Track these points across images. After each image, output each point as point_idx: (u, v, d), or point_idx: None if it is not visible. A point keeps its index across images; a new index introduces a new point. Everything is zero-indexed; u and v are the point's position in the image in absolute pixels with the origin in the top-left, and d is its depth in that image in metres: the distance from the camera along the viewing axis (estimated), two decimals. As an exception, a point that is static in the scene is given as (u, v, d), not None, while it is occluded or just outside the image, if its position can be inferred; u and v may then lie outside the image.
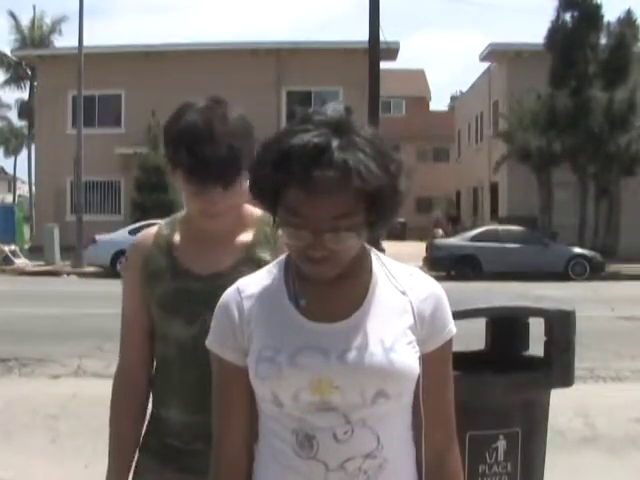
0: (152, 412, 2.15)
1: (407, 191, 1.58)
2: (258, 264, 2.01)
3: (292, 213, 1.51)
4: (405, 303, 1.62)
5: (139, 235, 2.19)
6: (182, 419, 2.05)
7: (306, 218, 1.50)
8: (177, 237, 2.11)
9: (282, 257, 1.71)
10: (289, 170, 1.47)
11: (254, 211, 2.13)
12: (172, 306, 2.04)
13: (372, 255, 1.67)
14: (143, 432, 2.16)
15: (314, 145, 1.46)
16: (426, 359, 1.61)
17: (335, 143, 1.47)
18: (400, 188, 1.55)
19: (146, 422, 2.17)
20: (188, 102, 2.02)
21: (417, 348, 1.60)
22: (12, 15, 49.40)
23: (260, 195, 1.57)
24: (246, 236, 2.09)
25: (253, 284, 1.68)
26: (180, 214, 2.17)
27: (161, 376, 2.11)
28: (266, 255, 2.05)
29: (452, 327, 1.66)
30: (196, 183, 1.95)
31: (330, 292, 1.61)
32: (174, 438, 2.07)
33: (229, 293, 1.69)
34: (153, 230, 2.15)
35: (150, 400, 2.16)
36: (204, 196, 1.97)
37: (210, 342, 1.69)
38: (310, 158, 1.46)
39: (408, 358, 1.58)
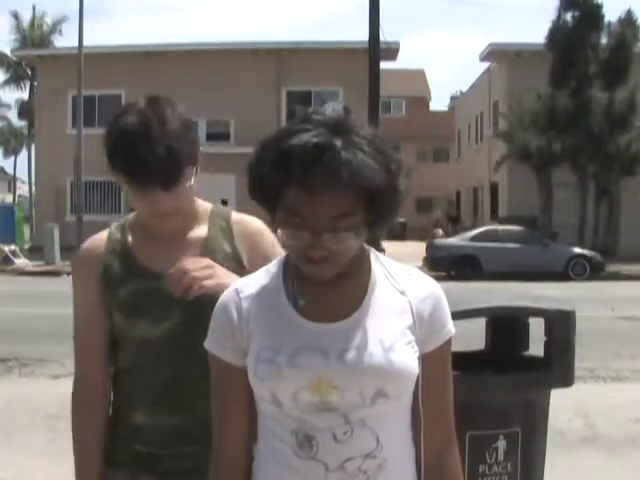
0: (115, 420, 2.09)
1: (407, 191, 1.58)
2: (217, 256, 2.02)
3: (291, 213, 1.51)
4: (404, 303, 1.62)
5: (87, 242, 2.13)
6: (156, 422, 2.01)
7: (305, 218, 1.50)
8: (131, 239, 2.08)
9: (281, 257, 1.71)
10: (289, 170, 1.47)
11: (206, 205, 2.13)
12: (136, 308, 2.01)
13: (371, 255, 1.67)
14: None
15: (314, 145, 1.46)
16: (425, 359, 1.61)
17: (335, 143, 1.47)
18: (400, 188, 1.55)
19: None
20: (128, 103, 1.99)
21: (416, 348, 1.60)
22: (14, 16, 49.48)
23: (258, 195, 1.57)
24: (201, 230, 2.08)
25: (252, 284, 1.68)
26: (130, 216, 2.14)
27: (128, 381, 2.06)
28: (224, 246, 2.06)
29: (451, 327, 1.66)
30: (136, 185, 1.93)
31: (329, 292, 1.61)
32: (145, 444, 2.02)
33: (228, 294, 1.68)
34: (103, 235, 2.11)
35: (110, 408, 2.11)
36: (147, 197, 1.95)
37: (209, 343, 1.68)
38: (310, 158, 1.45)
39: (407, 358, 1.58)
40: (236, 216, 2.14)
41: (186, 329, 1.99)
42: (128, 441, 2.05)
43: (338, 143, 1.47)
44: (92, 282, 2.05)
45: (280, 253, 2.02)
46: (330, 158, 1.45)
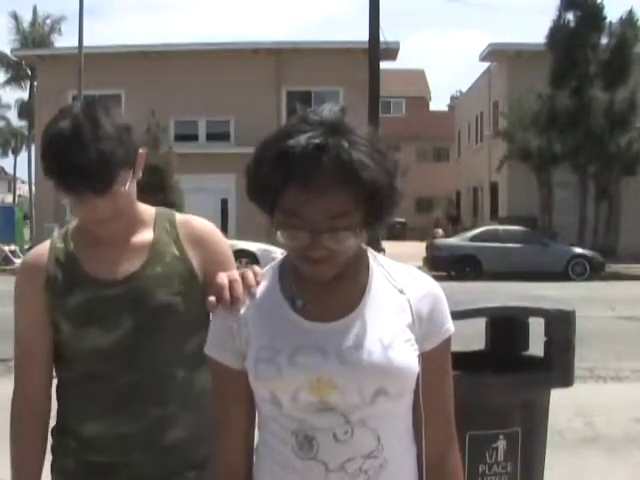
0: (63, 433, 2.05)
1: (403, 190, 1.58)
2: (165, 259, 2.00)
3: (290, 214, 1.51)
4: (403, 301, 1.62)
5: (29, 254, 2.09)
6: (111, 432, 1.97)
7: (304, 218, 1.50)
8: (74, 247, 2.04)
9: (279, 258, 1.71)
10: (288, 171, 1.47)
11: (148, 209, 2.09)
12: (86, 317, 1.97)
13: (369, 255, 1.67)
14: (53, 456, 2.06)
15: (312, 145, 1.46)
16: (425, 358, 1.61)
17: (333, 143, 1.47)
18: (397, 187, 1.55)
19: (49, 444, 2.07)
20: (64, 108, 1.96)
21: (416, 346, 1.60)
22: (15, 17, 49.49)
23: (257, 196, 1.56)
24: (146, 234, 2.04)
25: None
26: (71, 225, 2.10)
27: (76, 392, 2.02)
28: (171, 249, 2.03)
29: (450, 326, 1.66)
30: (68, 191, 1.89)
31: (328, 292, 1.61)
32: (100, 454, 1.99)
33: None
34: (45, 246, 2.07)
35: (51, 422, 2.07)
36: (82, 203, 1.90)
37: (208, 347, 1.68)
38: (309, 158, 1.45)
39: (407, 356, 1.58)
40: (181, 218, 2.10)
41: (139, 335, 1.96)
42: (80, 453, 2.01)
43: (336, 143, 1.47)
44: (36, 293, 2.00)
45: (230, 246, 2.02)
46: (329, 158, 1.46)
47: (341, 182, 1.46)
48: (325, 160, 1.45)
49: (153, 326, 1.97)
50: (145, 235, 2.04)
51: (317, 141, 1.46)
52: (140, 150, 1.99)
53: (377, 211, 1.54)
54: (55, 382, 2.10)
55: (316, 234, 1.50)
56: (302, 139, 1.47)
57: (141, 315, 1.96)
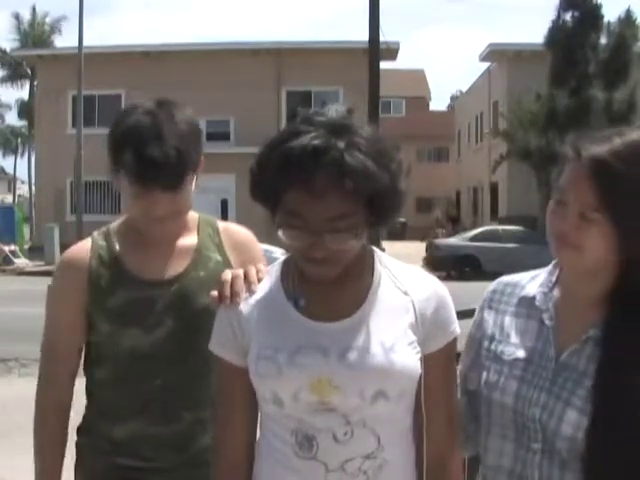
0: (89, 431, 2.05)
1: (407, 191, 1.58)
2: (209, 264, 2.01)
3: (292, 215, 1.51)
4: (407, 303, 1.62)
5: (70, 251, 2.08)
6: (143, 433, 1.96)
7: (306, 219, 1.50)
8: (118, 247, 2.03)
9: (283, 257, 1.71)
10: (289, 172, 1.47)
11: (191, 213, 2.10)
12: (126, 317, 1.96)
13: (374, 255, 1.67)
14: (78, 456, 2.06)
15: (313, 147, 1.46)
16: (429, 359, 1.61)
17: (334, 145, 1.47)
18: (400, 188, 1.55)
19: (72, 442, 2.07)
20: (134, 104, 1.96)
21: (418, 349, 1.60)
22: (16, 17, 49.47)
23: (261, 197, 1.57)
24: (191, 239, 2.05)
25: None
26: (115, 224, 2.10)
27: (108, 394, 2.01)
28: (215, 255, 2.04)
29: (456, 327, 1.66)
30: (141, 184, 1.88)
31: (331, 292, 1.61)
32: (129, 458, 1.98)
33: None
34: (86, 244, 2.06)
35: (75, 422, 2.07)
36: (146, 198, 1.90)
37: (212, 344, 1.68)
38: (310, 160, 1.46)
39: (409, 359, 1.57)
40: (222, 224, 2.12)
41: (179, 337, 1.96)
42: (109, 455, 2.00)
43: (338, 145, 1.47)
44: (77, 291, 1.98)
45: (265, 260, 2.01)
46: (330, 160, 1.46)
47: (341, 184, 1.46)
48: (326, 162, 1.45)
49: (193, 329, 1.96)
50: (190, 239, 2.05)
51: (317, 142, 1.46)
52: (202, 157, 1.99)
53: (380, 212, 1.54)
54: (84, 382, 2.09)
55: (317, 235, 1.50)
56: (303, 141, 1.47)
57: (182, 317, 1.96)
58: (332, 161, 1.46)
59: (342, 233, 1.51)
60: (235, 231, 2.11)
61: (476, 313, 1.77)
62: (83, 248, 2.05)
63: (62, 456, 2.04)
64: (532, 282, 1.76)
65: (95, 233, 2.09)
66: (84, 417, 2.07)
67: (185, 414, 1.97)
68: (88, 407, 2.07)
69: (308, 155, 1.46)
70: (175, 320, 1.97)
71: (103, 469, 2.01)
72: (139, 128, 1.87)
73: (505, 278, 1.82)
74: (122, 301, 1.97)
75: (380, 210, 1.54)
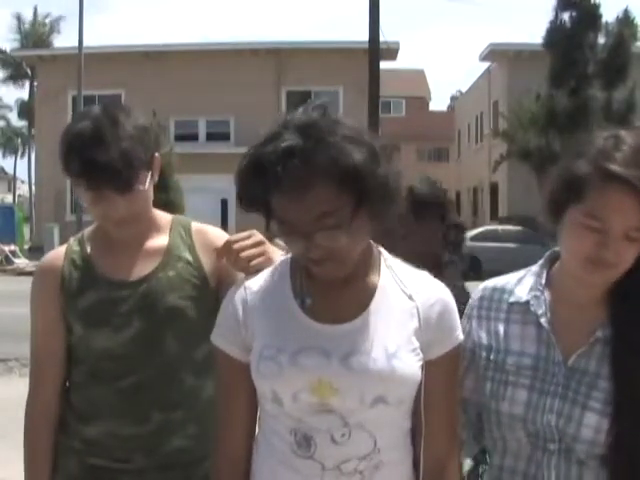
0: (65, 433, 2.06)
1: (393, 177, 1.55)
2: (178, 264, 2.01)
3: (281, 222, 1.52)
4: (411, 308, 1.61)
5: (46, 258, 2.11)
6: (114, 433, 1.97)
7: (293, 224, 1.50)
8: (90, 250, 2.06)
9: (289, 255, 1.71)
10: (265, 177, 1.48)
11: (165, 216, 2.12)
12: (97, 317, 1.99)
13: (381, 258, 1.67)
14: (55, 455, 2.07)
15: (282, 150, 1.47)
16: (432, 364, 1.60)
17: (301, 145, 1.47)
18: (379, 172, 1.52)
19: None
20: (84, 110, 2.01)
21: (421, 355, 1.59)
22: (17, 17, 49.47)
23: (250, 207, 1.57)
24: (162, 240, 2.06)
25: (260, 281, 1.68)
26: (88, 229, 2.13)
27: (82, 394, 2.03)
28: (185, 254, 2.04)
29: (459, 334, 1.65)
30: (90, 188, 1.92)
31: (337, 293, 1.61)
32: (101, 458, 1.99)
33: (237, 290, 1.69)
34: (61, 250, 2.10)
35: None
36: (102, 201, 1.94)
37: (215, 336, 1.69)
38: (280, 163, 1.46)
39: (411, 365, 1.57)
40: (196, 225, 2.12)
41: (148, 336, 1.97)
42: (82, 455, 2.02)
43: (305, 144, 1.47)
44: (52, 297, 2.02)
45: None
46: (298, 161, 1.46)
47: (315, 182, 1.46)
48: (296, 163, 1.45)
49: (162, 329, 1.97)
50: (160, 240, 2.06)
51: (286, 145, 1.47)
52: (156, 154, 2.02)
53: (367, 202, 1.52)
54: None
55: (307, 236, 1.50)
56: (275, 145, 1.48)
57: (151, 317, 1.97)
58: (301, 161, 1.46)
59: (332, 230, 1.50)
60: (208, 232, 2.11)
61: (463, 321, 1.74)
62: (58, 254, 2.09)
63: (51, 462, 2.06)
64: (520, 286, 1.74)
65: (71, 239, 2.13)
66: (60, 416, 2.08)
67: (155, 414, 1.97)
68: (63, 407, 2.08)
69: (277, 159, 1.47)
70: (142, 320, 1.98)
71: (77, 469, 2.03)
72: (81, 135, 1.92)
73: (489, 283, 1.80)
74: (91, 302, 2.00)
75: (367, 200, 1.51)
